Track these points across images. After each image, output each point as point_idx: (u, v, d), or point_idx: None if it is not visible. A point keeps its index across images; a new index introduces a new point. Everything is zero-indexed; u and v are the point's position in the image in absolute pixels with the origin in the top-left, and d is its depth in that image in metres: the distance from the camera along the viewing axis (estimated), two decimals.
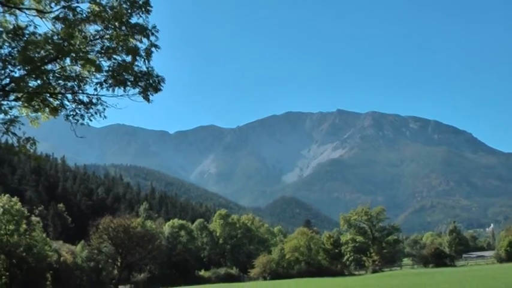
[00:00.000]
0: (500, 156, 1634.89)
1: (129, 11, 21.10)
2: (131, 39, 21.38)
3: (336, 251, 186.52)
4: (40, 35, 20.66)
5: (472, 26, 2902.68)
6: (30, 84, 21.25)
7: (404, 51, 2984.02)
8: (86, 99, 21.86)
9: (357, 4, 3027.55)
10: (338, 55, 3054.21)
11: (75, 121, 21.74)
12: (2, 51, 20.82)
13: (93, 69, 21.13)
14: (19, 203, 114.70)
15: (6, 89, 20.79)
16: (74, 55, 20.79)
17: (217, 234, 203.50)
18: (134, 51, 21.40)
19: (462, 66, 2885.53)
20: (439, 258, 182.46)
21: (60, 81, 21.67)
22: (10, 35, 20.68)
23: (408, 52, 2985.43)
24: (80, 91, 21.84)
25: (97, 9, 20.57)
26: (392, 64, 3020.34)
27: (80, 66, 21.29)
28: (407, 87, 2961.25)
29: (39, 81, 21.39)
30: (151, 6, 21.26)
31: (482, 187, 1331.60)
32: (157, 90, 22.19)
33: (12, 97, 21.22)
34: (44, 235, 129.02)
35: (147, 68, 21.90)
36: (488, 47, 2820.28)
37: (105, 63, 21.54)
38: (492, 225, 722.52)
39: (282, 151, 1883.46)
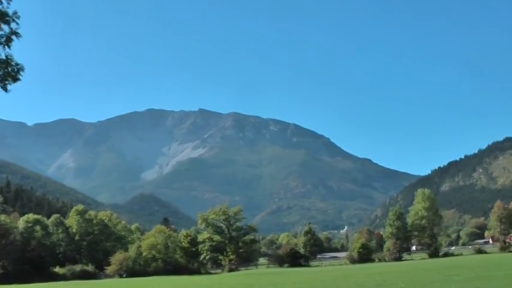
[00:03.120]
0: (356, 161, 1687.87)
1: None
2: None
3: (193, 249, 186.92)
4: None
5: (323, 30, 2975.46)
6: None
7: (263, 53, 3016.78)
8: None
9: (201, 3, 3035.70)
10: (200, 54, 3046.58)
11: None
12: None
13: None
14: None
15: None
16: None
17: (74, 230, 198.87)
18: None
19: (321, 72, 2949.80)
20: (294, 258, 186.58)
21: None
22: None
23: (267, 54, 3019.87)
24: None
25: None
26: (253, 66, 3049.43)
27: None
28: (267, 90, 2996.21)
29: None
30: None
31: (337, 190, 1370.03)
32: (15, 79, 21.56)
33: None
34: None
35: (6, 56, 21.32)
36: (343, 54, 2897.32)
37: None
38: (346, 227, 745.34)
39: (143, 148, 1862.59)
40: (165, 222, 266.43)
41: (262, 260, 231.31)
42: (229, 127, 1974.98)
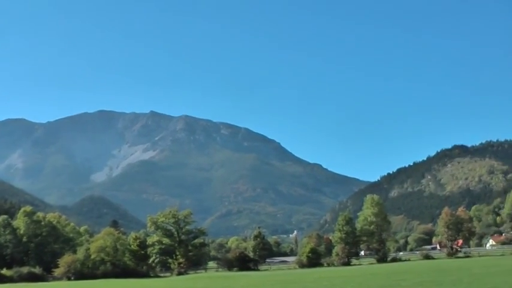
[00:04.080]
0: (306, 166, 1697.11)
1: None
2: None
3: (142, 252, 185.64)
4: None
5: (267, 36, 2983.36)
6: None
7: (214, 58, 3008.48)
8: None
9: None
10: (151, 56, 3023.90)
11: None
12: None
13: None
14: None
15: None
16: None
17: (22, 231, 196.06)
18: None
19: (271, 77, 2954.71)
20: (243, 262, 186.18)
21: None
22: None
23: (218, 59, 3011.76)
24: None
25: None
26: (204, 70, 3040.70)
27: None
28: (220, 94, 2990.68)
29: None
30: None
31: (287, 195, 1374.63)
32: None
33: None
34: None
35: None
36: (293, 59, 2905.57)
37: None
38: (296, 231, 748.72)
39: (93, 150, 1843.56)
40: (114, 224, 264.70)
41: (211, 264, 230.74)
42: (180, 130, 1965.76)
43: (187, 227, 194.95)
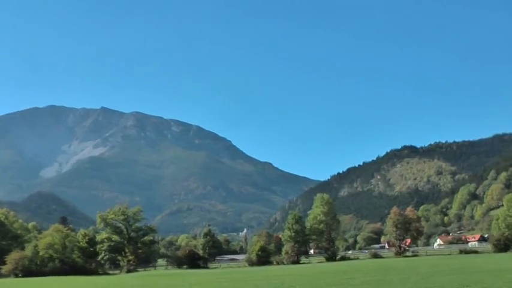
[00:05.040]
0: (257, 165, 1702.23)
1: None
2: None
3: (91, 249, 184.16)
4: None
5: (221, 34, 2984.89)
6: None
7: (165, 53, 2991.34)
8: None
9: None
10: (102, 52, 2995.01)
11: None
12: None
13: None
14: None
15: None
16: None
17: None
18: None
19: (222, 75, 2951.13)
20: (193, 260, 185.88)
21: None
22: None
23: (170, 55, 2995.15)
24: None
25: None
26: (155, 66, 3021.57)
27: None
28: (170, 90, 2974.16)
29: None
30: None
31: (238, 193, 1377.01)
32: None
33: None
34: None
35: None
36: (244, 58, 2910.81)
37: None
38: (245, 230, 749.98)
39: (42, 145, 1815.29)
40: (63, 221, 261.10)
41: (161, 261, 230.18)
42: (131, 126, 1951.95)
43: (136, 224, 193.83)
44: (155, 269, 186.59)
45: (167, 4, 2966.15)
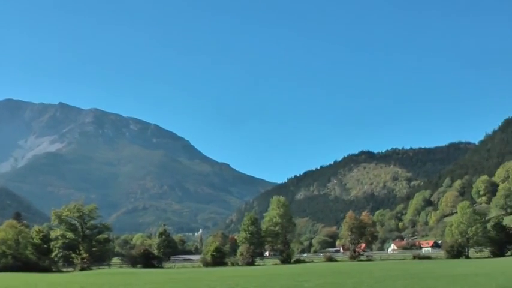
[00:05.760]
0: (214, 165, 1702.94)
1: None
2: None
3: (45, 246, 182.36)
4: None
5: (172, 34, 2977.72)
6: None
7: (124, 51, 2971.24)
8: None
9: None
10: (61, 47, 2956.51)
11: None
12: None
13: None
14: None
15: None
16: None
17: None
18: None
19: (180, 74, 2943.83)
20: (147, 259, 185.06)
21: None
22: None
23: (128, 52, 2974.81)
24: None
25: None
26: (115, 63, 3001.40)
27: None
28: (131, 88, 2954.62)
29: None
30: None
31: (194, 193, 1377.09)
32: None
33: None
34: None
35: None
36: (203, 59, 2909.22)
37: None
38: (201, 230, 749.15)
39: None
40: (17, 217, 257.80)
41: (115, 260, 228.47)
42: (89, 123, 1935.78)
43: (91, 222, 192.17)
44: (109, 268, 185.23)
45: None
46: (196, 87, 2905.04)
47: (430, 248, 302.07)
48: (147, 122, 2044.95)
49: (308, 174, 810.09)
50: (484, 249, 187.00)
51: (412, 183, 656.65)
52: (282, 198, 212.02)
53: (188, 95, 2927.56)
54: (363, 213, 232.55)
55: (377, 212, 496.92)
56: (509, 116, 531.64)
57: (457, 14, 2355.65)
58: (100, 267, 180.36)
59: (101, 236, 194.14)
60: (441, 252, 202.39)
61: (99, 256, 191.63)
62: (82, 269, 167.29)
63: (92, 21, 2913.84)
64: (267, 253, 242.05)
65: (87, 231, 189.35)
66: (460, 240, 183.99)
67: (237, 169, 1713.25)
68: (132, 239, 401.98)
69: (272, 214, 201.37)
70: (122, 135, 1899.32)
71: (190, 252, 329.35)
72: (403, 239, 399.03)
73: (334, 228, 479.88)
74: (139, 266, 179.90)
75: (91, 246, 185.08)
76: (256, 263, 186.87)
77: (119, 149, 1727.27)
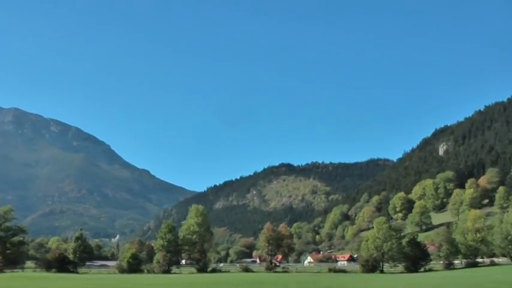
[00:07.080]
0: (134, 172, 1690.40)
1: None
2: None
3: None
4: None
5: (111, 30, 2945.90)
6: None
7: (51, 49, 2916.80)
8: None
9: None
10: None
11: None
12: None
13: None
14: None
15: None
16: None
17: None
18: None
19: (106, 76, 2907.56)
20: (62, 264, 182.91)
21: None
22: None
23: (56, 50, 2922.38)
24: None
25: None
26: (38, 61, 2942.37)
27: None
28: (52, 89, 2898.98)
29: None
30: None
31: (113, 198, 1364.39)
32: None
33: None
34: None
35: None
36: (127, 64, 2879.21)
37: None
38: (118, 236, 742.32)
39: None
40: None
41: (29, 263, 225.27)
42: (9, 122, 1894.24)
43: (6, 224, 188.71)
44: (23, 271, 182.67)
45: None
46: (118, 89, 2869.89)
47: (345, 262, 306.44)
48: (68, 124, 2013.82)
49: (228, 184, 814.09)
50: (398, 265, 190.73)
51: (330, 197, 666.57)
52: (200, 207, 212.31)
53: (109, 96, 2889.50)
54: (281, 225, 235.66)
55: (295, 225, 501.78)
56: (427, 136, 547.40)
57: (378, 36, 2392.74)
58: (13, 270, 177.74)
59: (15, 239, 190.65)
60: (356, 266, 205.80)
61: (13, 259, 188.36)
62: None
63: (16, 19, 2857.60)
64: (183, 261, 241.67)
65: (1, 233, 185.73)
66: (375, 254, 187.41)
67: (157, 176, 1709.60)
68: (47, 243, 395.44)
69: (190, 222, 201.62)
70: (41, 136, 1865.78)
71: (106, 258, 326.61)
72: (320, 252, 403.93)
73: (251, 239, 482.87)
74: (53, 270, 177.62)
75: (5, 249, 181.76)
76: (172, 271, 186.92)
77: (38, 150, 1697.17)
